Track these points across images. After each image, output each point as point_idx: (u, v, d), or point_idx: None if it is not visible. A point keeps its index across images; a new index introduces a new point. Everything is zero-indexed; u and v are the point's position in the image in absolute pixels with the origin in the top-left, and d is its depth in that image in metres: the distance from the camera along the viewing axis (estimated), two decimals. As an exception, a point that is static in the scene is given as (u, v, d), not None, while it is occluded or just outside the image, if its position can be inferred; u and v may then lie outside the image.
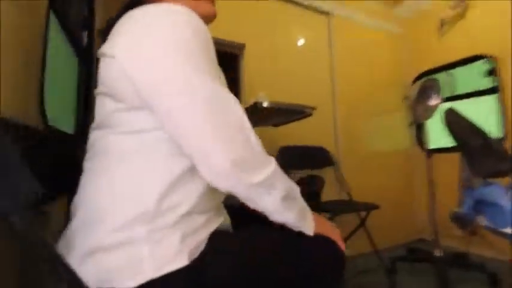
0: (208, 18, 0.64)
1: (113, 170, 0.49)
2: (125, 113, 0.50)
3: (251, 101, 1.62)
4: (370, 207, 1.74)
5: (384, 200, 2.42)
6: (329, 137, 2.35)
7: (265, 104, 1.36)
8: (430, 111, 1.77)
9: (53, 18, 0.95)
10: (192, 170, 0.50)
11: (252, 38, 2.02)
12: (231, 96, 0.51)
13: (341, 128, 2.38)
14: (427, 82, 1.74)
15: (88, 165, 0.53)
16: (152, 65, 0.47)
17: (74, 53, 1.28)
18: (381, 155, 2.56)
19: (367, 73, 2.61)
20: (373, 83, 2.62)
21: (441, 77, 2.49)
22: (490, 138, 1.19)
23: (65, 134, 0.80)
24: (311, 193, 1.44)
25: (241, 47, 1.48)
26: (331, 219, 1.61)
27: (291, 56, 2.25)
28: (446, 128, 1.01)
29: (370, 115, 2.56)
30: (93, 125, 0.55)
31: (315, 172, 2.18)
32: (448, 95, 1.97)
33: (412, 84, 2.72)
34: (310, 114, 1.56)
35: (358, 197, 2.13)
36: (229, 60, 1.50)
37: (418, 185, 2.64)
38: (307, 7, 2.35)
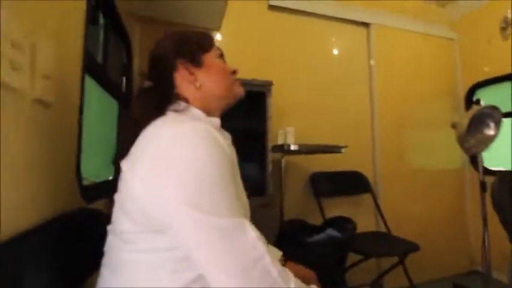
0: (237, 100, 0.69)
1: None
2: (140, 234, 0.51)
3: (280, 134, 1.59)
4: (409, 248, 1.60)
5: (431, 226, 2.24)
6: (367, 159, 2.20)
7: (292, 148, 1.32)
8: (484, 143, 1.55)
9: (89, 81, 1.02)
10: (195, 281, 0.50)
11: (284, 67, 1.97)
12: (242, 225, 0.48)
13: (381, 148, 2.21)
14: (483, 110, 1.51)
15: (105, 272, 0.55)
16: (167, 199, 0.48)
17: (114, 97, 1.37)
18: (428, 176, 2.32)
19: (411, 85, 2.36)
20: (418, 95, 2.37)
21: (499, 90, 2.17)
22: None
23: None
24: (337, 241, 1.36)
25: (267, 83, 1.44)
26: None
27: (326, 73, 2.14)
28: (492, 199, 0.87)
29: (414, 131, 2.33)
30: (110, 227, 0.56)
31: (350, 199, 2.08)
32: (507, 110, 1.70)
33: (466, 97, 2.42)
34: (340, 152, 1.46)
35: (400, 223, 1.99)
36: (258, 97, 1.47)
37: (472, 208, 2.36)
38: (343, 20, 2.19)
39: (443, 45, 2.51)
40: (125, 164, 0.53)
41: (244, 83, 1.44)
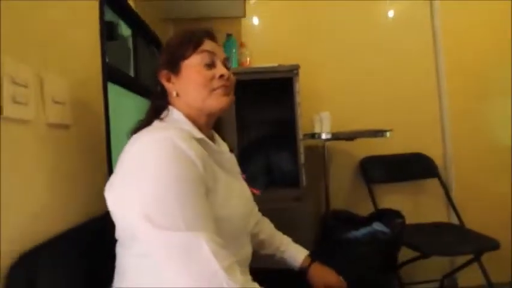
0: (214, 113, 0.63)
1: None
2: (128, 241, 0.55)
3: (315, 120, 1.47)
4: (487, 245, 1.31)
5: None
6: (433, 139, 1.85)
7: (324, 136, 1.20)
8: None
9: (112, 88, 1.10)
10: None
11: (316, 47, 1.78)
12: (198, 239, 0.46)
13: (451, 126, 1.82)
14: None
15: (115, 275, 0.61)
16: (127, 212, 0.51)
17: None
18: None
19: (486, 50, 1.84)
20: (495, 60, 1.84)
21: None
22: None
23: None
24: (383, 239, 1.20)
25: (293, 68, 1.33)
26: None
27: (376, 47, 1.83)
28: None
29: (493, 101, 1.84)
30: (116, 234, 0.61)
31: (410, 185, 1.80)
32: None
33: None
34: (384, 136, 1.27)
35: (473, 212, 1.66)
36: (285, 84, 1.39)
37: None
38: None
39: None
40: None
41: (269, 71, 1.38)
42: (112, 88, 0.98)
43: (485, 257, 1.41)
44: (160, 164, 0.48)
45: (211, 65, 0.62)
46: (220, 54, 0.64)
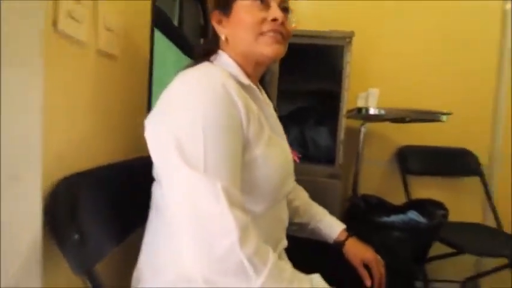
0: (264, 61, 0.57)
1: (169, 232, 0.52)
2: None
3: (360, 97, 1.37)
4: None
5: None
6: (481, 134, 1.71)
7: (372, 111, 1.12)
8: None
9: (162, 39, 1.06)
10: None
11: (373, 14, 1.63)
12: (218, 190, 0.41)
13: (506, 122, 1.67)
14: None
15: (151, 212, 0.57)
16: (158, 141, 0.49)
17: (191, 58, 1.43)
18: None
19: None
20: None
21: None
22: None
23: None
24: (420, 227, 1.13)
25: (346, 35, 1.22)
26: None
27: (437, 21, 1.67)
28: None
29: None
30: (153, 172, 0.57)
31: (448, 181, 1.69)
32: None
33: None
34: (440, 120, 1.16)
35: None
36: (335, 53, 1.30)
37: None
38: None
39: None
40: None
41: (319, 36, 1.28)
42: (157, 35, 0.94)
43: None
44: (204, 101, 0.44)
45: (265, 7, 0.54)
46: None
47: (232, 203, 0.41)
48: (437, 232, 1.18)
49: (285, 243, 0.62)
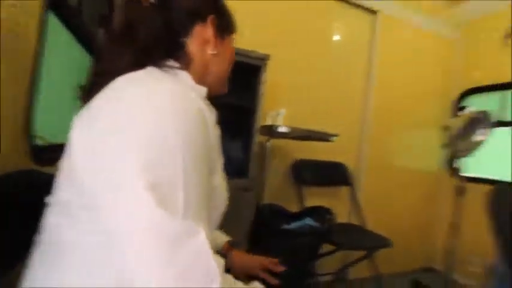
0: (216, 95, 0.56)
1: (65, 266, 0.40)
2: (83, 210, 0.40)
3: (271, 115, 1.49)
4: (382, 243, 1.62)
5: (402, 223, 2.30)
6: (353, 152, 2.17)
7: (280, 129, 1.23)
8: (473, 147, 1.54)
9: (52, 20, 0.86)
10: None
11: (282, 43, 1.83)
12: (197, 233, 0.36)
13: (369, 142, 2.18)
14: (475, 115, 1.49)
15: (36, 254, 0.43)
16: (112, 165, 0.36)
17: (87, 50, 1.21)
18: (408, 175, 2.35)
19: (411, 81, 2.33)
20: (414, 93, 2.34)
21: (493, 98, 2.18)
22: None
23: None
24: (316, 231, 1.33)
25: (264, 57, 1.32)
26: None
27: (325, 55, 2.03)
28: (491, 206, 0.84)
29: (404, 129, 2.32)
30: (52, 198, 0.44)
31: (329, 190, 2.06)
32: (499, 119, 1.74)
33: (459, 100, 2.42)
34: (330, 140, 1.40)
35: (375, 218, 2.02)
36: (253, 72, 1.36)
37: (441, 211, 2.43)
38: (351, 4, 2.06)
39: (446, 46, 2.46)
40: (78, 119, 0.42)
41: (241, 54, 1.33)
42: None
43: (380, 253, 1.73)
44: (176, 123, 0.36)
45: None
46: None
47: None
48: (328, 234, 1.40)
49: None
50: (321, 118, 1.98)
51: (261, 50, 1.37)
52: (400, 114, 2.30)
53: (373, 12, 2.15)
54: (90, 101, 0.42)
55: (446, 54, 2.46)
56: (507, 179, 1.98)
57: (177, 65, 0.47)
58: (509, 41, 2.10)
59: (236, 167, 1.39)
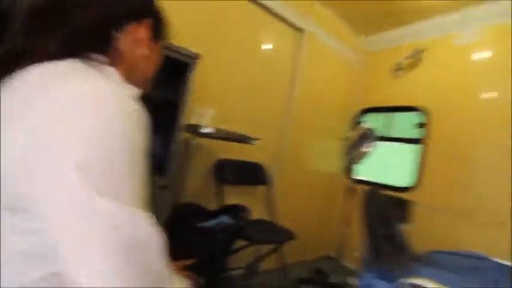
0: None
1: None
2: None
3: (197, 113, 1.51)
4: (288, 236, 1.82)
5: (306, 217, 2.62)
6: (272, 154, 2.36)
7: (204, 130, 1.27)
8: (362, 156, 1.89)
9: None
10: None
11: (215, 45, 1.86)
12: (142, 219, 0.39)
13: (287, 145, 2.41)
14: (364, 130, 1.83)
15: None
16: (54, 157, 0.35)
17: None
18: (316, 177, 2.70)
19: (326, 95, 2.69)
20: (327, 106, 2.71)
21: (381, 118, 2.71)
22: (395, 229, 1.30)
23: None
24: (229, 228, 1.42)
25: (195, 56, 1.33)
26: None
27: (253, 62, 2.15)
28: (363, 205, 1.07)
29: (315, 138, 2.65)
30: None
31: (249, 189, 2.19)
32: (384, 134, 2.19)
33: (358, 116, 2.89)
34: (251, 143, 1.51)
35: (286, 214, 2.25)
36: (182, 69, 1.35)
37: (338, 207, 2.86)
38: (278, 17, 2.24)
39: (352, 71, 2.92)
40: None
41: (171, 50, 1.31)
42: None
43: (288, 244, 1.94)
44: (122, 119, 0.38)
45: None
46: None
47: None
48: (243, 230, 1.50)
49: None
50: (246, 120, 2.10)
51: (194, 49, 1.37)
52: (313, 123, 2.62)
53: (301, 30, 2.38)
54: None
55: (352, 78, 2.92)
56: (383, 181, 2.50)
57: (104, 59, 0.46)
58: (398, 73, 2.63)
59: (155, 164, 1.36)
